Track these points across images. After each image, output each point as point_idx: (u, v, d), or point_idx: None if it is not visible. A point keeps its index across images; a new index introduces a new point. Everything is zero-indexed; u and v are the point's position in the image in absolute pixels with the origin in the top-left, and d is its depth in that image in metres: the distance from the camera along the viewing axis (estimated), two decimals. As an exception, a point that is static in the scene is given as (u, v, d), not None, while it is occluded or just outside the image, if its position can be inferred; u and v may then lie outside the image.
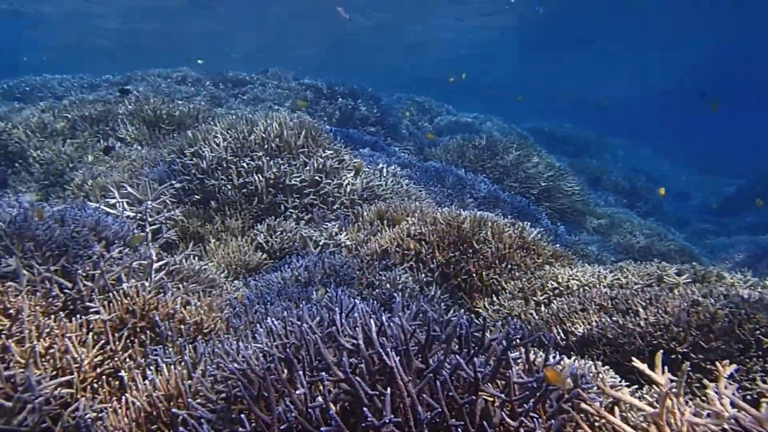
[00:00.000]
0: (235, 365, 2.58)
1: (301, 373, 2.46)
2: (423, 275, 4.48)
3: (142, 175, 6.31)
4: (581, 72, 53.31)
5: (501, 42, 39.49)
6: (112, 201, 5.21)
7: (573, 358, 2.70)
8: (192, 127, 8.51)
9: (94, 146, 7.14)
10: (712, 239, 13.02)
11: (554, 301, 3.61)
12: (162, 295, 3.46)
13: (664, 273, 3.80)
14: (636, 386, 2.39)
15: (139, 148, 7.94)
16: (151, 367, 2.82)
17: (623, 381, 2.41)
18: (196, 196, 6.02)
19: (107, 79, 14.73)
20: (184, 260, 4.52)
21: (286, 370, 2.63)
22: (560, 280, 3.95)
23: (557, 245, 4.82)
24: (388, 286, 4.29)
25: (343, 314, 3.10)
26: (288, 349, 2.65)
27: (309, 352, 2.68)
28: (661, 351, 2.00)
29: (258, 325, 3.43)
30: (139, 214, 5.19)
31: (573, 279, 3.92)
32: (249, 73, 15.82)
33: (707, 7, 24.84)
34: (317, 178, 6.15)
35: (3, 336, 2.76)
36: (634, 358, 2.02)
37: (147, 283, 3.48)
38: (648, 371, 1.92)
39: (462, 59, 48.90)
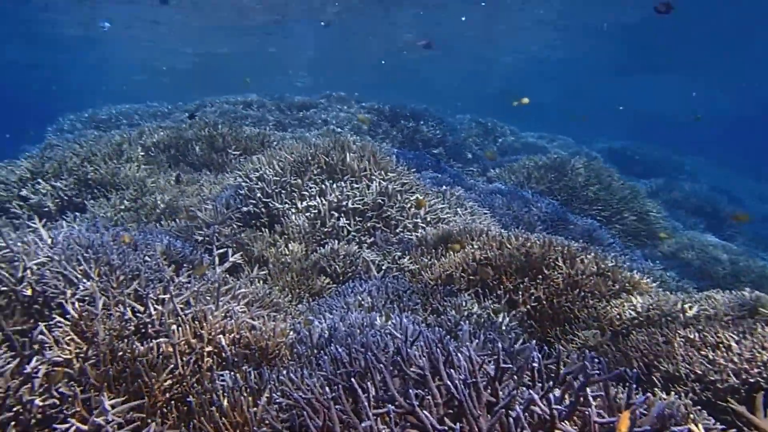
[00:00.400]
0: (300, 394, 2.55)
1: (366, 404, 2.41)
2: (490, 302, 4.35)
3: (210, 199, 6.46)
4: (653, 89, 51.68)
5: (568, 61, 38.85)
6: (182, 226, 5.35)
7: (658, 396, 2.52)
8: (258, 151, 8.70)
9: (166, 171, 7.38)
10: None
11: (633, 332, 3.42)
12: (228, 319, 3.48)
13: (758, 304, 3.53)
14: (734, 430, 2.19)
15: (208, 172, 8.15)
16: (218, 393, 2.82)
17: (717, 423, 2.21)
18: (261, 220, 6.10)
19: (179, 106, 15.34)
20: (249, 284, 4.56)
21: (351, 400, 2.58)
22: (639, 310, 3.74)
23: (633, 271, 4.59)
24: (453, 312, 4.18)
25: (408, 342, 3.03)
26: (353, 378, 2.60)
27: (374, 381, 2.61)
28: (762, 392, 1.82)
29: (322, 351, 3.40)
30: (207, 238, 5.30)
31: (653, 308, 3.70)
32: (312, 98, 16.12)
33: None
34: (380, 201, 6.13)
35: (80, 359, 2.83)
36: (730, 399, 1.85)
37: (214, 308, 3.51)
38: (747, 414, 1.75)
39: (528, 78, 48.41)
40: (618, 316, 3.78)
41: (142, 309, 3.36)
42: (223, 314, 3.56)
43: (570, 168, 9.77)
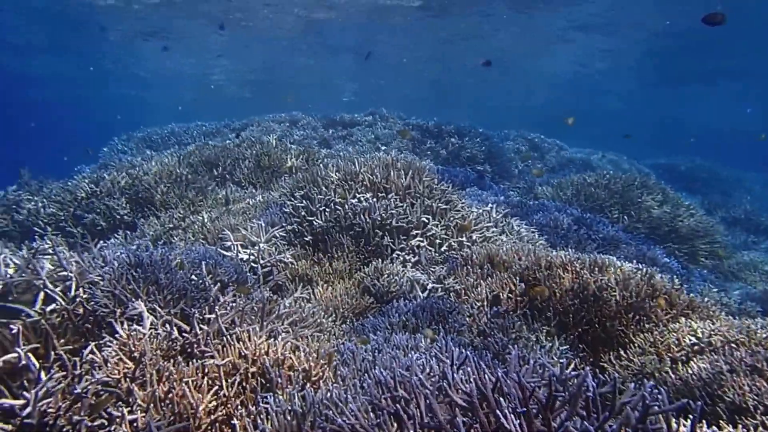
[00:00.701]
0: (344, 419, 2.50)
1: (411, 431, 2.33)
2: (538, 324, 4.22)
3: (255, 217, 6.51)
4: (709, 103, 50.14)
5: (620, 75, 38.14)
6: (228, 244, 5.40)
7: (725, 430, 2.36)
8: (302, 170, 8.77)
9: (213, 190, 7.50)
10: None
11: (694, 359, 3.24)
12: (273, 340, 3.46)
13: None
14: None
15: (254, 191, 8.25)
16: (262, 416, 2.79)
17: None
18: (305, 238, 6.10)
19: (227, 125, 15.66)
20: (293, 303, 4.55)
21: (395, 425, 2.51)
22: (700, 335, 3.55)
23: (692, 294, 4.38)
24: (500, 335, 4.07)
25: (455, 366, 2.94)
26: (398, 404, 2.53)
27: (419, 407, 2.53)
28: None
29: (366, 374, 3.34)
30: (252, 256, 5.32)
31: (716, 334, 3.50)
32: (357, 115, 16.22)
33: None
34: (424, 219, 6.07)
35: (128, 379, 2.85)
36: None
37: (258, 328, 3.50)
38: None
39: (577, 92, 47.69)
40: (677, 342, 3.59)
41: (188, 328, 3.38)
42: (267, 335, 3.54)
43: (621, 184, 9.50)
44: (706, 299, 4.24)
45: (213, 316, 3.35)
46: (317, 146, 13.27)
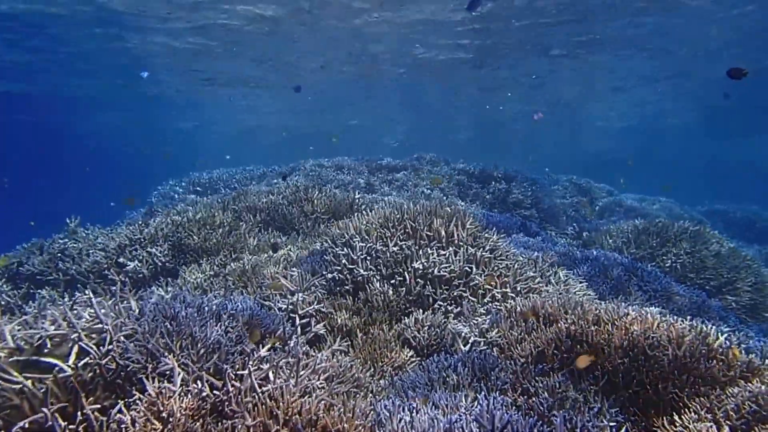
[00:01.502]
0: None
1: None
2: (586, 384, 3.98)
3: (296, 265, 6.49)
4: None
5: (676, 120, 37.59)
6: (267, 293, 5.36)
7: None
8: (347, 215, 8.76)
9: (256, 236, 7.54)
10: None
11: (756, 428, 2.97)
12: (306, 397, 3.36)
13: None
14: None
15: (296, 237, 8.26)
16: (290, 482, 2.67)
17: None
18: (345, 287, 6.02)
19: (273, 170, 15.93)
20: (330, 356, 4.45)
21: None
22: (761, 402, 3.28)
23: (752, 355, 4.07)
24: (545, 394, 3.85)
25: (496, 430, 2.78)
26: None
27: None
28: None
29: (402, 437, 3.19)
30: (291, 306, 5.27)
31: (778, 401, 3.23)
32: (402, 160, 16.29)
33: None
34: (467, 268, 5.92)
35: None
36: None
37: (292, 384, 3.40)
38: None
39: (630, 137, 47.15)
40: (735, 409, 3.31)
41: (220, 385, 3.31)
42: (300, 392, 3.44)
43: (673, 233, 9.13)
44: (767, 360, 3.94)
45: (246, 372, 3.27)
46: (362, 191, 13.33)
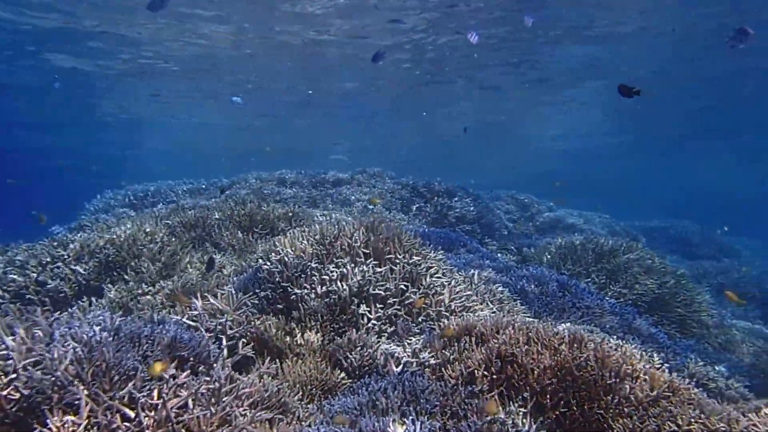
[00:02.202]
0: None
1: None
2: (515, 406, 3.98)
3: (229, 282, 6.31)
4: (703, 168, 51.00)
5: (611, 138, 38.89)
6: (195, 313, 5.17)
7: None
8: (285, 230, 8.61)
9: (189, 253, 7.31)
10: None
11: (674, 452, 3.02)
12: (225, 427, 3.22)
13: (813, 421, 3.11)
14: None
15: (233, 253, 8.06)
16: None
17: None
18: (278, 306, 5.88)
19: (214, 183, 15.59)
20: (258, 380, 4.31)
21: None
22: (680, 422, 3.34)
23: (674, 373, 4.16)
24: (474, 417, 3.82)
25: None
26: None
27: None
28: None
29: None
30: (219, 327, 5.09)
31: (696, 422, 3.29)
32: (346, 173, 16.22)
33: None
34: (403, 286, 5.87)
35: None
36: None
37: (210, 414, 3.26)
38: None
39: (569, 155, 48.48)
40: (656, 430, 3.36)
41: (133, 415, 3.14)
42: (220, 420, 3.30)
43: (608, 249, 9.36)
44: (687, 379, 4.03)
45: (160, 402, 3.11)
46: (304, 205, 13.18)
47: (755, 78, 21.57)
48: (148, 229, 7.36)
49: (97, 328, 3.65)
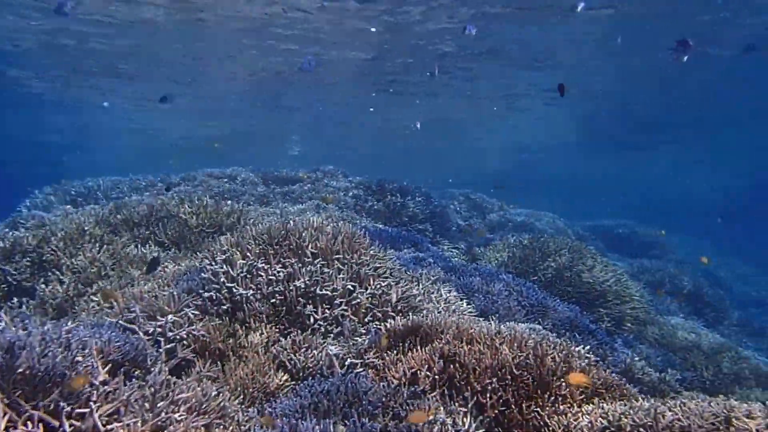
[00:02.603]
0: None
1: None
2: (456, 405, 3.99)
3: (172, 283, 6.15)
4: (647, 169, 52.58)
5: (561, 139, 39.67)
6: (132, 315, 5.02)
7: None
8: (233, 229, 8.45)
9: (130, 252, 7.09)
10: None
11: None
12: (157, 434, 3.12)
13: (732, 415, 3.21)
14: None
15: (178, 253, 7.87)
16: None
17: None
18: (223, 307, 5.76)
19: (162, 179, 15.20)
20: (197, 384, 4.20)
21: None
22: (611, 418, 3.41)
23: (609, 369, 4.26)
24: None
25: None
26: None
27: None
28: None
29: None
30: (159, 329, 4.95)
31: (625, 417, 3.38)
32: (300, 171, 16.07)
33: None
34: (350, 287, 5.83)
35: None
36: None
37: (141, 422, 3.15)
38: None
39: (521, 154, 49.26)
40: (589, 425, 3.43)
41: (57, 425, 3.01)
42: (152, 428, 3.20)
43: (554, 248, 9.54)
44: (621, 376, 4.13)
45: (87, 411, 2.99)
46: (256, 203, 12.99)
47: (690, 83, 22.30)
48: (87, 227, 7.11)
49: (21, 333, 3.49)
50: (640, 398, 3.86)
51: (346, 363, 4.83)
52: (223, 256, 6.36)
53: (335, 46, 18.81)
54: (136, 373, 4.00)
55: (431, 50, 19.18)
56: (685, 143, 36.49)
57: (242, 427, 3.84)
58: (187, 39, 18.09)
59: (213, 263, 6.35)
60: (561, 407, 3.76)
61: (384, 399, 4.09)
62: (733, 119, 28.24)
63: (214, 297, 5.96)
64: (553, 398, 3.85)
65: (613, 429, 3.36)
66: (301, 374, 4.83)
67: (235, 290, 5.89)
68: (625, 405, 3.63)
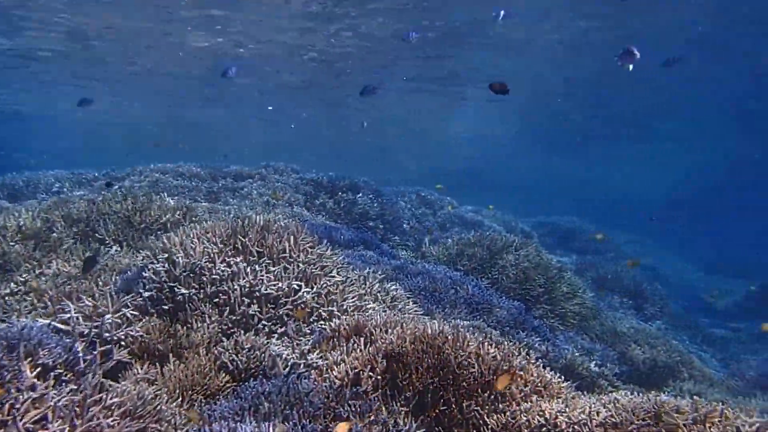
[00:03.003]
0: None
1: None
2: (398, 405, 4.00)
3: (111, 282, 5.97)
4: (593, 167, 53.98)
5: (510, 138, 40.34)
6: (66, 316, 4.85)
7: None
8: (178, 226, 8.27)
9: (69, 250, 6.85)
10: (728, 346, 12.21)
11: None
12: (87, 441, 3.02)
13: (662, 410, 3.32)
14: None
15: (119, 249, 7.66)
16: None
17: None
18: (164, 307, 5.63)
19: (107, 173, 14.76)
20: (132, 388, 4.09)
21: None
22: (548, 416, 3.49)
23: (550, 366, 4.35)
24: (356, 419, 3.81)
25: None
26: None
27: None
28: None
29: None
30: (96, 330, 4.80)
31: (561, 415, 3.46)
32: (251, 168, 15.83)
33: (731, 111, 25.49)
34: (295, 286, 5.78)
35: None
36: None
37: (70, 427, 3.05)
38: None
39: (470, 152, 49.86)
40: (527, 423, 3.50)
41: (-22, 432, 2.88)
42: (81, 435, 3.09)
43: (501, 246, 9.68)
44: (561, 373, 4.23)
45: (10, 418, 2.87)
46: (204, 200, 12.75)
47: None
48: (22, 223, 6.83)
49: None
50: (576, 396, 3.95)
51: (290, 363, 4.79)
52: (165, 255, 6.22)
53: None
54: (68, 376, 3.86)
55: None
56: (621, 146, 37.73)
57: (179, 431, 3.76)
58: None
59: (154, 262, 6.20)
60: (501, 406, 3.82)
61: (326, 400, 4.07)
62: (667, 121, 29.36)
63: (155, 296, 5.82)
64: (493, 397, 3.90)
65: (549, 427, 3.43)
66: (243, 375, 4.76)
67: (177, 290, 5.77)
68: (562, 403, 3.72)
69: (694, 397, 3.61)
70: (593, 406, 3.49)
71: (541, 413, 3.54)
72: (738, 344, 13.14)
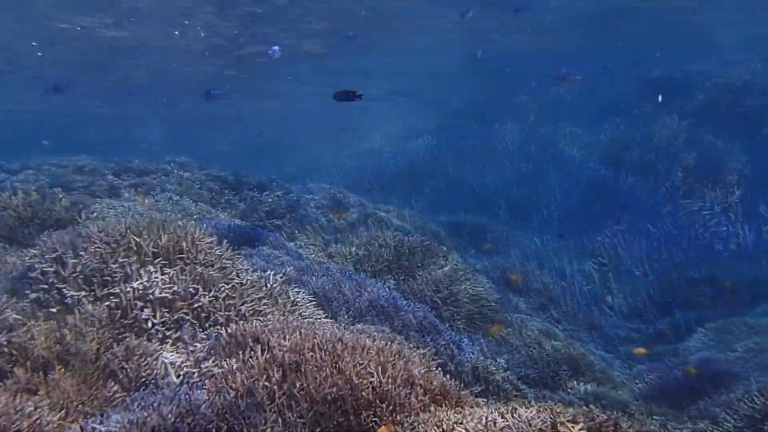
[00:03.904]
0: None
1: None
2: (295, 416, 3.98)
3: (-9, 284, 5.59)
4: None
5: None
6: (-65, 324, 4.49)
7: None
8: (73, 223, 7.89)
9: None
10: (627, 347, 12.80)
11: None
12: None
13: (558, 420, 3.49)
14: None
15: (6, 247, 7.21)
16: None
17: None
18: (51, 310, 5.34)
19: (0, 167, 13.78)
20: (10, 399, 3.85)
21: None
22: (445, 428, 3.57)
23: (449, 375, 4.46)
24: None
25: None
26: None
27: None
28: None
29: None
30: (-32, 339, 4.48)
31: (458, 426, 3.55)
32: (153, 163, 15.21)
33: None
34: (192, 289, 5.62)
35: None
36: None
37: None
38: None
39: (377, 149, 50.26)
40: (423, 435, 3.58)
41: None
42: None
43: (408, 247, 9.83)
44: (461, 381, 4.35)
45: None
46: (103, 196, 12.15)
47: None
48: None
49: None
50: (475, 405, 4.06)
51: (183, 372, 4.66)
52: (54, 254, 5.89)
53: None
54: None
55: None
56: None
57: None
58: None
59: (42, 261, 5.87)
60: (399, 417, 3.87)
61: (220, 412, 3.99)
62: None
63: (42, 299, 5.53)
64: (391, 408, 3.95)
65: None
66: (133, 384, 4.58)
67: (65, 291, 5.50)
68: (460, 413, 3.81)
69: (590, 406, 3.78)
70: (491, 415, 3.60)
71: (438, 424, 3.62)
72: (640, 345, 13.72)
